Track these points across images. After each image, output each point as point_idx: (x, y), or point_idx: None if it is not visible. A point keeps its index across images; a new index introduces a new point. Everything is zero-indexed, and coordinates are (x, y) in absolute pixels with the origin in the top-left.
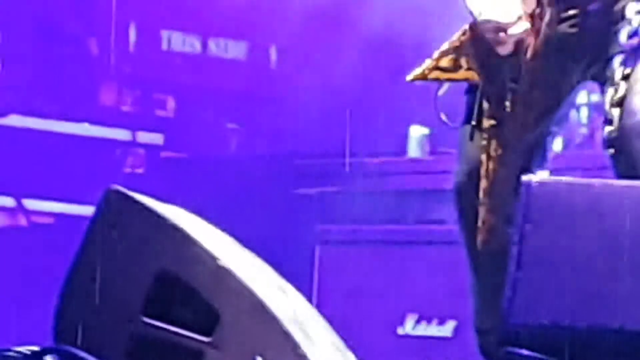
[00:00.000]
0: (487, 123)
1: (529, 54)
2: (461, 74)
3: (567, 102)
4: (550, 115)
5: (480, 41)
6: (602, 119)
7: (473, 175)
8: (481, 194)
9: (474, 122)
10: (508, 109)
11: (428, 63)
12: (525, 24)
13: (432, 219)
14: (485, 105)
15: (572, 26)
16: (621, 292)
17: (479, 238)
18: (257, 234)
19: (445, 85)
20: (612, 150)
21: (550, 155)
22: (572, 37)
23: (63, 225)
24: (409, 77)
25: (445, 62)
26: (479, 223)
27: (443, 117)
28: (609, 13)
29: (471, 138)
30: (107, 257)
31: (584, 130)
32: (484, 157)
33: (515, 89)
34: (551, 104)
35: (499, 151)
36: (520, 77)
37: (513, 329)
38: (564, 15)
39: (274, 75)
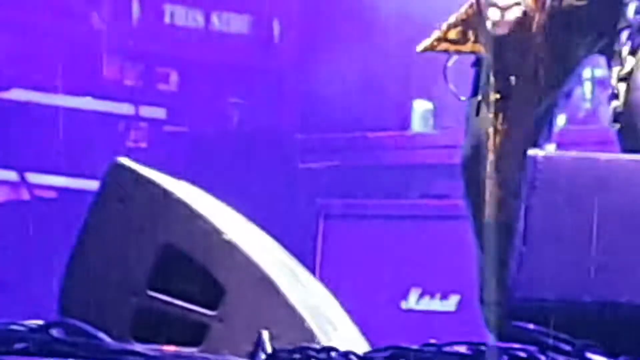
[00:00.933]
0: (493, 97)
1: (534, 28)
2: (469, 46)
3: (574, 76)
4: (557, 89)
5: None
6: (606, 94)
7: (480, 149)
8: (488, 168)
9: (480, 96)
10: (514, 83)
11: (436, 34)
12: (520, 9)
13: (436, 194)
14: (492, 79)
15: None
16: (626, 266)
17: (487, 211)
18: (261, 208)
19: (454, 57)
20: (617, 125)
21: (555, 130)
22: (580, 10)
23: (66, 199)
24: (418, 48)
25: (453, 34)
26: (487, 196)
27: (452, 88)
28: None
29: (477, 112)
30: (112, 230)
31: (587, 105)
32: (490, 130)
33: (520, 63)
34: (557, 77)
35: (505, 125)
36: (525, 50)
37: (519, 303)
38: None
39: (276, 49)
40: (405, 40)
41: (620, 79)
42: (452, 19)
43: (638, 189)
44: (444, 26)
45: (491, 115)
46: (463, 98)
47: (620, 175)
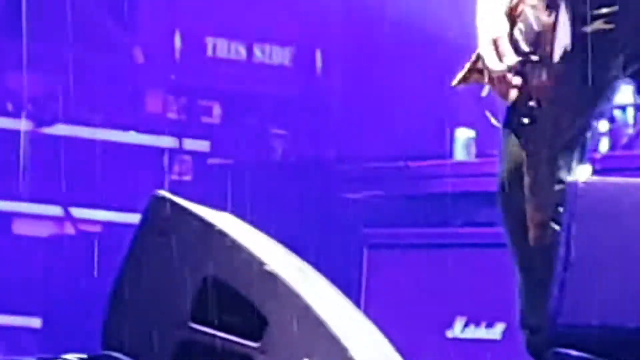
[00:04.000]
0: (522, 121)
1: (550, 51)
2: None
3: (605, 99)
4: (586, 112)
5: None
6: None
7: (515, 174)
8: (526, 192)
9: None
10: (537, 107)
11: (467, 66)
12: (516, 79)
13: (479, 222)
14: (519, 103)
15: (607, 22)
16: None
17: (530, 235)
18: (305, 238)
19: (487, 87)
20: None
21: (595, 155)
22: (608, 34)
23: (111, 233)
24: (454, 83)
25: (481, 64)
26: (528, 221)
27: (489, 115)
28: None
29: (510, 136)
30: (154, 263)
31: (630, 131)
32: (524, 154)
33: (543, 87)
34: (585, 101)
35: (537, 149)
36: (544, 73)
37: (561, 330)
38: (597, 12)
39: (319, 80)
40: (446, 67)
41: None
42: (479, 49)
43: None
44: (473, 57)
45: (523, 140)
46: (497, 123)
47: None
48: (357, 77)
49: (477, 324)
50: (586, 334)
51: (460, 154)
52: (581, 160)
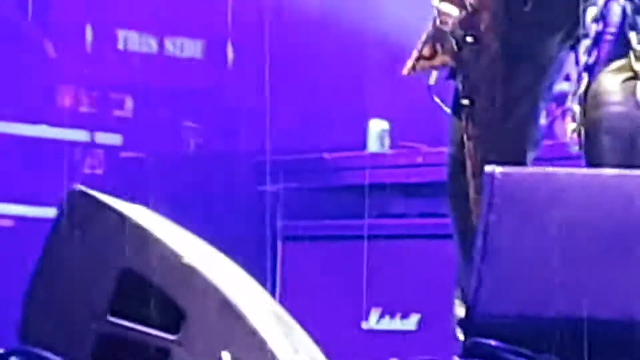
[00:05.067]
0: (462, 103)
1: (482, 28)
2: (439, 59)
3: (550, 75)
4: (528, 92)
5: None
6: (560, 109)
7: (459, 158)
8: (468, 174)
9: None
10: (477, 87)
11: (414, 54)
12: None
13: (394, 213)
14: (460, 86)
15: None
16: (587, 281)
17: (473, 218)
18: (220, 232)
19: (434, 74)
20: (576, 148)
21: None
22: (543, 11)
23: (23, 228)
24: (404, 72)
25: (426, 51)
26: (471, 203)
27: (438, 101)
28: None
29: (454, 120)
30: (71, 257)
31: (542, 121)
32: (465, 137)
33: (478, 66)
34: (526, 81)
35: (476, 131)
36: (480, 52)
37: (479, 320)
38: None
39: (231, 73)
40: (360, 59)
41: (576, 100)
42: (423, 36)
43: (596, 203)
44: (419, 44)
45: (463, 123)
46: (448, 110)
47: (578, 189)
48: (270, 70)
49: (392, 315)
50: (504, 324)
51: (374, 145)
52: (536, 143)
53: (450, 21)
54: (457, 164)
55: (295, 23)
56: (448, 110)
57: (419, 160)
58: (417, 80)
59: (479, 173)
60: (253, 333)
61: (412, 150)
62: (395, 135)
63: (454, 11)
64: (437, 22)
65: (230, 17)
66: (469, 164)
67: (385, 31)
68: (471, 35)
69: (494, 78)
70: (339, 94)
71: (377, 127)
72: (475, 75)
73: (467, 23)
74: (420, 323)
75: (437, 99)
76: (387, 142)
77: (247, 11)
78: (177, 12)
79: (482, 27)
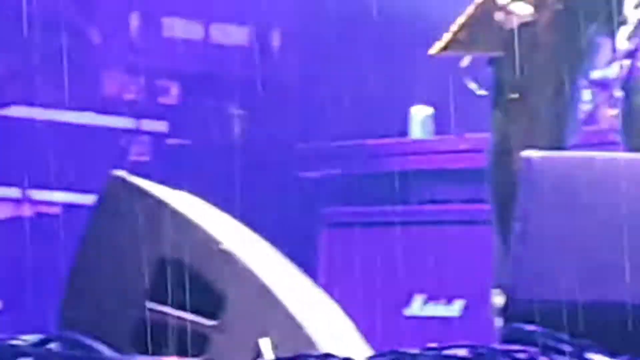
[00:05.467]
0: (509, 96)
1: (539, 20)
2: (480, 47)
3: (587, 64)
4: (573, 79)
5: (492, 13)
6: (603, 95)
7: (504, 147)
8: (515, 166)
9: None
10: (528, 79)
11: (447, 37)
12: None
13: (437, 199)
14: (507, 77)
15: None
16: (624, 265)
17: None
18: (263, 218)
19: (466, 58)
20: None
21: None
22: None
23: (69, 215)
24: (431, 51)
25: (462, 36)
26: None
27: (472, 85)
28: None
29: (498, 111)
30: (110, 243)
31: (587, 107)
32: (513, 128)
33: (531, 58)
34: (571, 68)
35: (525, 122)
36: (534, 44)
37: (518, 304)
38: None
39: (276, 59)
40: (404, 45)
41: (619, 85)
42: (460, 20)
43: (634, 188)
44: (454, 28)
45: (511, 114)
46: (484, 92)
47: (616, 174)
48: (315, 56)
49: (436, 301)
50: (542, 309)
51: (417, 131)
52: (574, 132)
53: (516, 20)
54: (500, 152)
55: (339, 9)
56: (482, 93)
57: (462, 146)
58: (460, 67)
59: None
60: (291, 319)
61: (456, 136)
62: (438, 121)
63: (525, 9)
64: (501, 18)
65: (276, 3)
66: (515, 155)
67: (430, 17)
68: (530, 30)
69: (548, 72)
70: (382, 80)
71: (420, 114)
72: (530, 69)
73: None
74: (464, 309)
75: (469, 83)
76: (430, 128)
77: None
78: None
79: (543, 23)
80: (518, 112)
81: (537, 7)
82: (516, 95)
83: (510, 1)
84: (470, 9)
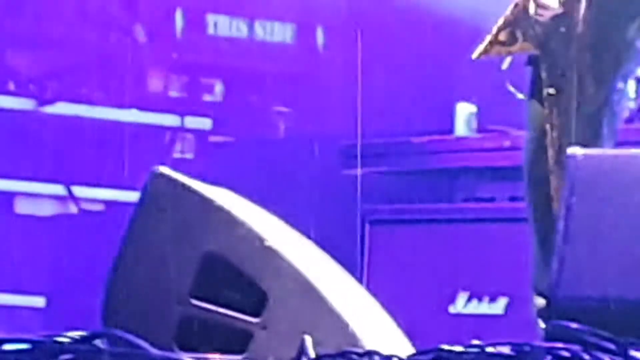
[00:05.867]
0: (546, 92)
1: (575, 16)
2: (518, 46)
3: (626, 63)
4: (608, 78)
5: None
6: None
7: (540, 145)
8: (550, 163)
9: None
10: (563, 75)
11: (488, 39)
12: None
13: (480, 197)
14: (544, 74)
15: None
16: None
17: (555, 205)
18: (306, 215)
19: (507, 59)
20: None
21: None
22: None
23: (113, 212)
24: (474, 55)
25: (503, 36)
26: (552, 192)
27: (512, 89)
28: None
29: (535, 108)
30: (154, 240)
31: (632, 105)
32: (548, 126)
33: (566, 54)
34: (607, 67)
35: (561, 119)
36: (569, 40)
37: (561, 302)
38: None
39: (321, 56)
40: (448, 44)
41: None
42: (500, 21)
43: None
44: (494, 29)
45: (547, 111)
46: (522, 96)
47: None
48: (360, 54)
49: (480, 299)
50: (586, 307)
51: (461, 129)
52: (614, 127)
53: (547, 13)
54: (537, 150)
55: (384, 7)
56: (521, 97)
57: (507, 143)
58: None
59: (562, 160)
60: (335, 316)
61: (500, 133)
62: (482, 118)
63: (553, 3)
64: (533, 12)
65: (320, 1)
66: (551, 152)
67: (474, 15)
68: (564, 24)
69: (582, 66)
70: (426, 77)
71: (464, 111)
72: (564, 64)
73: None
74: (508, 307)
75: (511, 87)
76: (474, 125)
77: None
78: None
79: (576, 16)
80: (554, 109)
81: (571, 1)
82: (552, 91)
83: None
84: (509, 8)
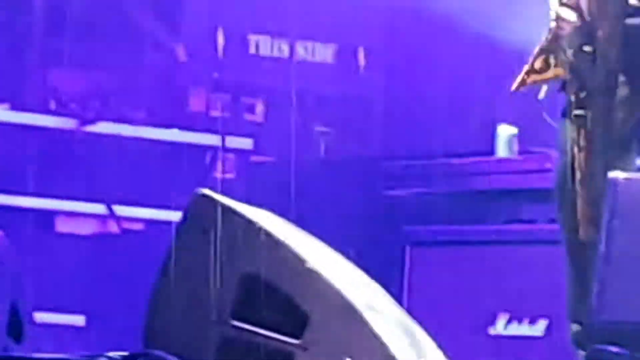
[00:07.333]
0: (574, 114)
1: (599, 37)
2: (551, 72)
3: None
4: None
5: (561, 37)
6: None
7: (569, 168)
8: (577, 186)
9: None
10: (591, 97)
11: (525, 68)
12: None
13: (521, 219)
14: (572, 97)
15: None
16: None
17: (581, 230)
18: (347, 236)
19: (544, 88)
20: None
21: None
22: None
23: (154, 231)
24: (513, 87)
25: (538, 64)
26: (579, 216)
27: (547, 117)
28: None
29: (565, 129)
30: (195, 260)
31: None
32: (575, 149)
33: (593, 76)
34: (636, 90)
35: (587, 142)
36: (596, 62)
37: (601, 326)
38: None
39: (361, 77)
40: (489, 64)
41: None
42: (536, 49)
43: None
44: (530, 58)
45: (574, 133)
46: (555, 124)
47: None
48: (400, 74)
49: (520, 321)
50: (626, 331)
51: (502, 150)
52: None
53: (567, 28)
54: (567, 173)
55: (425, 28)
56: (554, 125)
57: (548, 165)
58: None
59: (588, 183)
60: (376, 338)
61: (541, 155)
62: (523, 140)
63: (572, 16)
64: (554, 27)
65: (361, 21)
66: (579, 175)
67: (514, 36)
68: (588, 44)
69: (610, 88)
70: (468, 99)
71: (505, 132)
72: (591, 85)
73: (585, 32)
74: (547, 329)
75: (546, 116)
76: (515, 147)
77: (378, 15)
78: (308, 17)
79: (600, 36)
80: (581, 131)
81: (596, 19)
82: (580, 112)
83: (558, 6)
84: (543, 37)
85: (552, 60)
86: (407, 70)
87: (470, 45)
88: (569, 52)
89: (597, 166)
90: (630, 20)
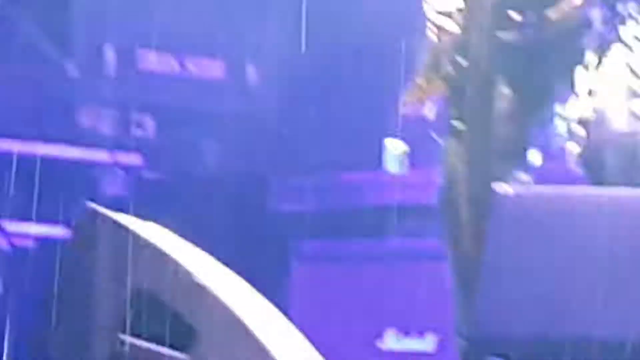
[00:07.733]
0: (454, 129)
1: (477, 53)
2: (432, 86)
3: (539, 106)
4: (518, 119)
5: (440, 53)
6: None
7: (453, 183)
8: (461, 201)
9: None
10: (471, 111)
11: (411, 85)
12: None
13: (409, 234)
14: (452, 112)
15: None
16: (591, 301)
17: (465, 244)
18: (235, 251)
19: (432, 108)
20: (581, 166)
21: (531, 163)
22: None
23: (44, 247)
24: (400, 109)
25: (422, 81)
26: (463, 230)
27: (435, 136)
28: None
29: (448, 145)
30: (85, 276)
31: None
32: (457, 162)
33: (474, 91)
34: (519, 109)
35: (467, 156)
36: (477, 78)
37: (486, 339)
38: (516, 20)
39: (252, 93)
40: (376, 78)
41: (578, 120)
42: (419, 66)
43: (603, 223)
44: (416, 75)
45: (455, 148)
46: (442, 142)
47: (584, 209)
48: (290, 90)
49: (408, 335)
50: (511, 343)
51: (391, 166)
52: (525, 167)
53: (445, 37)
54: (451, 188)
55: (314, 42)
56: (441, 142)
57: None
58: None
59: (471, 198)
60: (264, 352)
61: (430, 171)
62: (413, 155)
63: (449, 26)
64: (432, 36)
65: (251, 37)
66: (462, 189)
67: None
68: (462, 55)
69: (486, 100)
70: (357, 113)
71: (394, 148)
72: (467, 96)
73: (460, 43)
74: (437, 343)
75: (434, 135)
76: (405, 162)
77: (267, 32)
78: (198, 32)
79: (473, 48)
80: (460, 146)
81: (468, 30)
82: (459, 129)
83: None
84: (426, 54)
85: (434, 77)
86: (296, 86)
87: (360, 60)
88: (447, 65)
89: (479, 180)
90: (511, 34)
